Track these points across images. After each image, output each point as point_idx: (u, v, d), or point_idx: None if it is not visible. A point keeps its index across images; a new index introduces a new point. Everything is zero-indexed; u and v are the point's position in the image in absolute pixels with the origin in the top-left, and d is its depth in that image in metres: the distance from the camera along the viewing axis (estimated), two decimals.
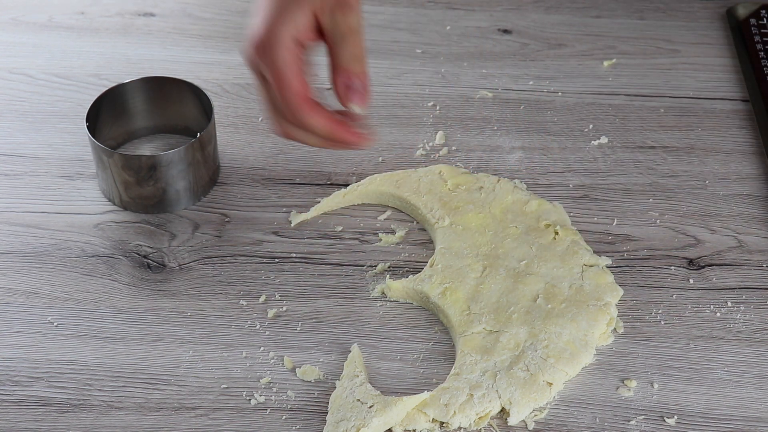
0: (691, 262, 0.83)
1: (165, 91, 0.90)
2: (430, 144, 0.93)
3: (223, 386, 0.74)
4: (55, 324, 0.78)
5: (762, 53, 1.00)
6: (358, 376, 0.73)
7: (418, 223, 0.86)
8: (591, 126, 0.95)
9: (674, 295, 0.80)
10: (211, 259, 0.83)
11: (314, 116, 0.73)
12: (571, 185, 0.89)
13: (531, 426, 0.72)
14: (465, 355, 0.74)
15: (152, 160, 0.83)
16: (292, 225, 0.85)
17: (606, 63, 1.02)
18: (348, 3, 0.73)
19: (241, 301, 0.80)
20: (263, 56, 0.73)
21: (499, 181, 0.86)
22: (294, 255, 0.83)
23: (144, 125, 0.92)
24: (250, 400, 0.73)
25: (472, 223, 0.83)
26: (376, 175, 0.88)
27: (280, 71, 0.72)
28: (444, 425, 0.71)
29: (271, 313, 0.79)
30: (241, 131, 0.94)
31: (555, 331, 0.75)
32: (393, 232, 0.85)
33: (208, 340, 0.77)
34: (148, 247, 0.84)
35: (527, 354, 0.74)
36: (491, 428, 0.72)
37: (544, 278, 0.79)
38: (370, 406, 0.71)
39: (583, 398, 0.73)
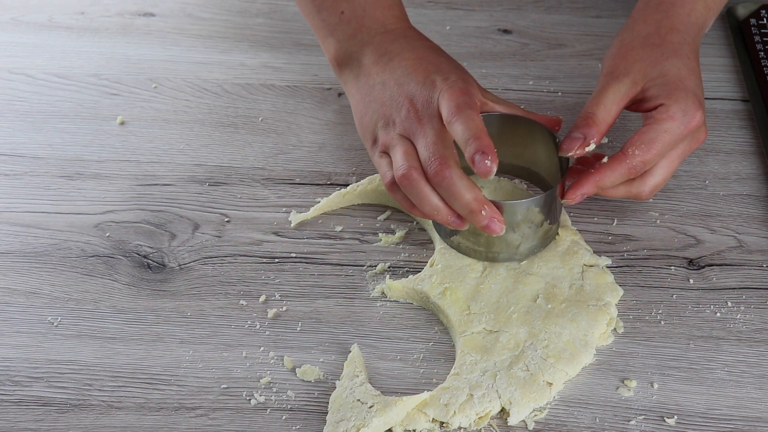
0: (691, 262, 0.83)
1: (516, 129, 0.82)
2: None
3: (223, 386, 0.74)
4: (54, 324, 0.78)
5: (762, 53, 1.00)
6: (358, 376, 0.73)
7: (417, 223, 0.86)
8: None
9: (674, 295, 0.80)
10: (211, 259, 0.83)
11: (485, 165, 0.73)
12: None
13: (531, 426, 0.72)
14: (465, 355, 0.74)
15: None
16: (292, 225, 0.85)
17: None
18: None
19: (241, 301, 0.80)
20: (465, 97, 0.76)
21: (499, 181, 0.86)
22: (294, 255, 0.83)
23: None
24: (250, 400, 0.73)
25: None
26: (376, 175, 0.88)
27: (473, 102, 0.75)
28: (444, 425, 0.71)
29: (271, 313, 0.79)
30: (241, 131, 0.95)
31: (555, 331, 0.75)
32: (393, 232, 0.85)
33: (208, 340, 0.77)
34: (148, 247, 0.84)
35: (527, 354, 0.74)
36: (491, 428, 0.72)
37: (544, 278, 0.79)
38: (370, 406, 0.71)
39: (583, 398, 0.73)
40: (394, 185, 0.77)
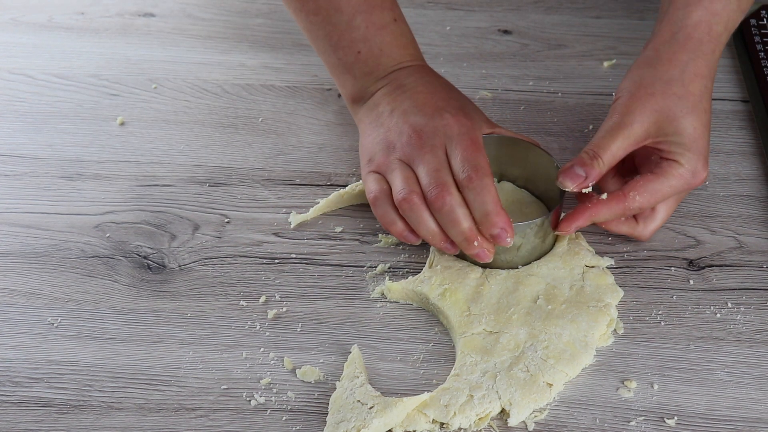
0: (691, 262, 0.83)
1: (515, 151, 0.84)
2: None
3: (223, 387, 0.74)
4: (55, 325, 0.78)
5: (762, 53, 1.00)
6: (358, 377, 0.73)
7: None
8: (591, 126, 0.95)
9: (674, 296, 0.80)
10: (211, 260, 0.83)
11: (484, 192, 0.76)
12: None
13: (531, 427, 0.72)
14: (465, 355, 0.74)
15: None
16: (292, 226, 0.85)
17: (606, 63, 1.02)
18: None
19: (241, 302, 0.80)
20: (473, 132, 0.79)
21: (500, 181, 0.86)
22: (294, 256, 0.83)
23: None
24: (250, 400, 0.73)
25: None
26: None
27: (476, 136, 0.79)
28: (444, 426, 0.71)
29: (271, 313, 0.79)
30: (241, 131, 0.95)
31: (555, 332, 0.75)
32: None
33: (208, 340, 0.77)
34: (148, 247, 0.84)
35: (527, 355, 0.74)
36: (491, 429, 0.72)
37: (544, 279, 0.79)
38: (371, 407, 0.71)
39: (583, 399, 0.73)
40: (377, 201, 0.79)
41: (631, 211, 0.79)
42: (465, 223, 0.76)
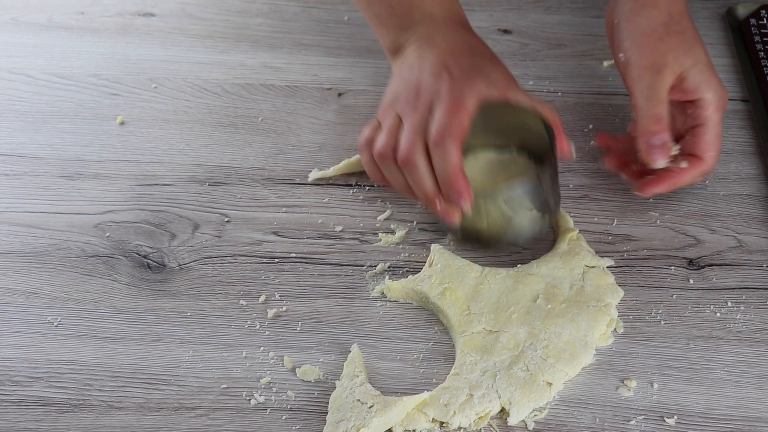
0: (691, 262, 0.83)
1: (505, 117, 0.83)
2: None
3: (223, 386, 0.74)
4: (54, 324, 0.78)
5: (762, 53, 1.00)
6: (358, 376, 0.73)
7: (417, 223, 0.86)
8: (591, 126, 0.95)
9: (674, 295, 0.80)
10: (211, 259, 0.83)
11: (457, 153, 0.76)
12: (571, 185, 0.89)
13: (531, 426, 0.72)
14: (465, 355, 0.74)
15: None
16: (310, 180, 0.88)
17: (606, 63, 1.01)
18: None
19: (241, 301, 0.80)
20: (458, 86, 0.79)
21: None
22: (294, 255, 0.83)
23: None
24: (250, 400, 0.73)
25: None
26: None
27: (464, 100, 0.78)
28: (444, 425, 0.71)
29: (270, 313, 0.79)
30: (241, 131, 0.95)
31: (555, 331, 0.75)
32: (393, 232, 0.85)
33: (207, 340, 0.77)
34: (148, 247, 0.84)
35: (527, 354, 0.74)
36: (491, 428, 0.72)
37: (544, 278, 0.79)
38: (370, 406, 0.71)
39: (583, 398, 0.73)
40: (362, 148, 0.82)
41: (710, 170, 0.84)
42: (427, 183, 0.77)
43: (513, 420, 0.71)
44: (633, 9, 0.85)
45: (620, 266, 0.82)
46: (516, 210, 0.79)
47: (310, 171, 0.90)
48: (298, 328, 0.78)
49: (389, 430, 0.71)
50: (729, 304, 0.79)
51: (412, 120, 0.79)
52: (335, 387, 0.73)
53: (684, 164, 0.83)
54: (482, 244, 0.82)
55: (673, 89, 0.83)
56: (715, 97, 0.83)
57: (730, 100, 0.97)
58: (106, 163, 0.91)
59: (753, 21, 1.04)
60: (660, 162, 0.82)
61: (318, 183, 0.89)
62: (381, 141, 0.80)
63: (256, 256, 0.83)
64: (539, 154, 0.82)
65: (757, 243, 0.84)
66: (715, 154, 0.84)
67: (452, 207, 0.78)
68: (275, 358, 0.76)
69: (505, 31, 1.06)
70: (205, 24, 1.07)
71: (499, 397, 0.72)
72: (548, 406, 0.73)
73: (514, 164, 0.85)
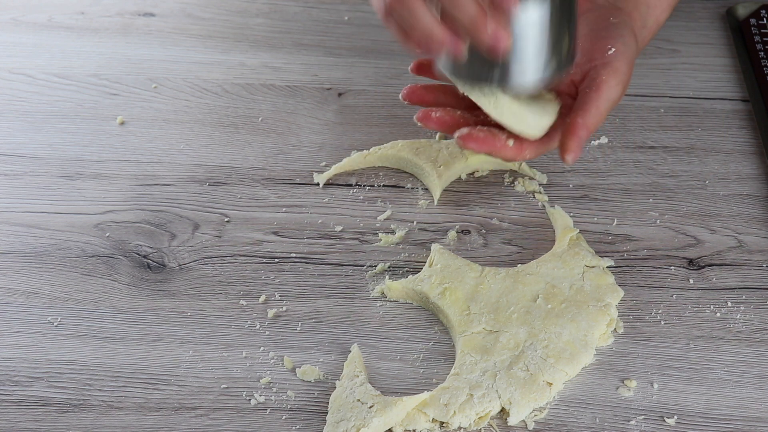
0: (691, 262, 0.83)
1: None
2: None
3: (223, 386, 0.74)
4: (55, 324, 0.78)
5: (762, 53, 1.00)
6: (358, 376, 0.73)
7: (417, 223, 0.86)
8: None
9: (674, 295, 0.80)
10: (211, 259, 0.83)
11: None
12: (571, 185, 0.89)
13: (531, 426, 0.72)
14: (465, 355, 0.74)
15: None
16: (319, 183, 0.88)
17: None
18: None
19: (241, 301, 0.80)
20: None
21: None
22: (294, 255, 0.83)
23: None
24: (250, 400, 0.73)
25: None
26: (398, 141, 0.90)
27: None
28: (444, 425, 0.71)
29: (271, 313, 0.79)
30: (241, 131, 0.95)
31: (555, 331, 0.75)
32: (393, 232, 0.85)
33: (208, 340, 0.77)
34: (148, 247, 0.84)
35: (527, 354, 0.74)
36: (491, 428, 0.72)
37: (544, 278, 0.79)
38: (370, 406, 0.71)
39: (583, 398, 0.73)
40: (387, 17, 0.71)
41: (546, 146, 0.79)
42: (469, 5, 0.68)
43: (513, 420, 0.71)
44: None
45: (620, 266, 0.82)
46: (522, 37, 0.72)
47: (310, 171, 0.90)
48: (298, 328, 0.78)
49: (389, 430, 0.71)
50: (729, 304, 0.79)
51: None
52: (335, 387, 0.73)
53: (510, 142, 0.77)
54: (488, 79, 0.75)
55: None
56: (617, 93, 0.78)
57: (730, 100, 0.97)
58: (106, 163, 0.91)
59: (753, 21, 1.04)
60: (539, 150, 0.78)
61: (317, 183, 0.89)
62: None
63: (256, 256, 0.83)
64: None
65: (757, 243, 0.84)
66: (573, 136, 0.77)
67: (503, 29, 0.69)
68: (275, 358, 0.76)
69: None
70: (205, 24, 1.07)
71: (499, 397, 0.72)
72: (548, 406, 0.73)
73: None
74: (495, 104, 0.76)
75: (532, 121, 0.77)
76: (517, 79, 0.75)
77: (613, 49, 0.79)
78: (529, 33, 0.73)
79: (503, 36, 0.70)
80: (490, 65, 0.74)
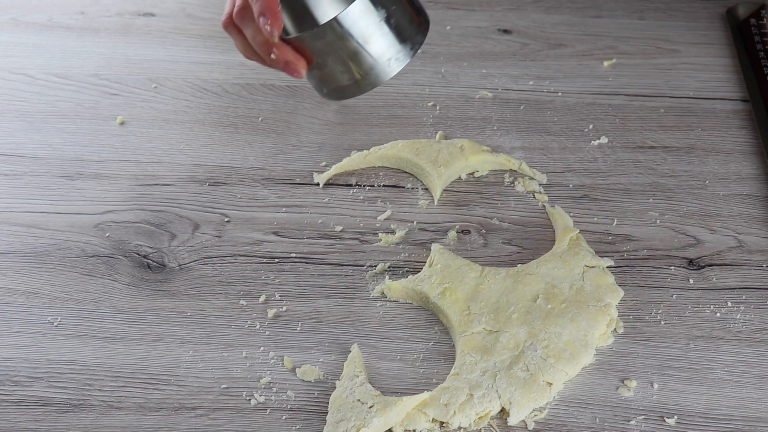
0: (691, 262, 0.83)
1: None
2: None
3: (223, 386, 0.74)
4: (55, 324, 0.78)
5: (762, 53, 1.00)
6: (358, 376, 0.73)
7: (417, 223, 0.86)
8: (591, 126, 0.95)
9: (674, 295, 0.80)
10: (211, 259, 0.83)
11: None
12: (571, 185, 0.89)
13: (531, 426, 0.72)
14: (465, 355, 0.74)
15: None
16: (320, 184, 0.88)
17: (606, 63, 1.02)
18: None
19: (241, 301, 0.80)
20: None
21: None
22: (294, 255, 0.83)
23: None
24: (250, 400, 0.73)
25: None
26: (398, 141, 0.91)
27: None
28: (444, 425, 0.71)
29: (271, 313, 0.79)
30: (241, 131, 0.95)
31: (555, 331, 0.75)
32: (393, 232, 0.85)
33: (208, 340, 0.77)
34: (148, 247, 0.84)
35: (527, 354, 0.74)
36: (491, 428, 0.72)
37: (544, 278, 0.79)
38: (370, 406, 0.71)
39: (583, 398, 0.73)
40: (228, 24, 0.79)
41: None
42: (258, 36, 0.76)
43: (513, 420, 0.71)
44: None
45: (620, 266, 0.82)
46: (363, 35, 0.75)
47: (310, 171, 0.90)
48: (298, 328, 0.78)
49: (389, 430, 0.71)
50: (729, 304, 0.79)
51: None
52: (335, 387, 0.73)
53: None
54: (352, 86, 0.78)
55: None
56: None
57: (730, 100, 0.97)
58: (106, 163, 0.91)
59: (753, 21, 1.04)
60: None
61: (317, 183, 0.89)
62: (238, 3, 0.78)
63: (256, 256, 0.83)
64: None
65: (757, 243, 0.84)
66: None
67: (291, 54, 0.76)
68: (275, 358, 0.76)
69: (505, 31, 1.06)
70: (205, 24, 1.07)
71: (499, 397, 0.72)
72: (548, 406, 0.73)
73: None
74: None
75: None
76: (378, 79, 0.77)
77: None
78: (356, 37, 0.75)
79: (293, 63, 0.76)
80: (350, 76, 0.77)
